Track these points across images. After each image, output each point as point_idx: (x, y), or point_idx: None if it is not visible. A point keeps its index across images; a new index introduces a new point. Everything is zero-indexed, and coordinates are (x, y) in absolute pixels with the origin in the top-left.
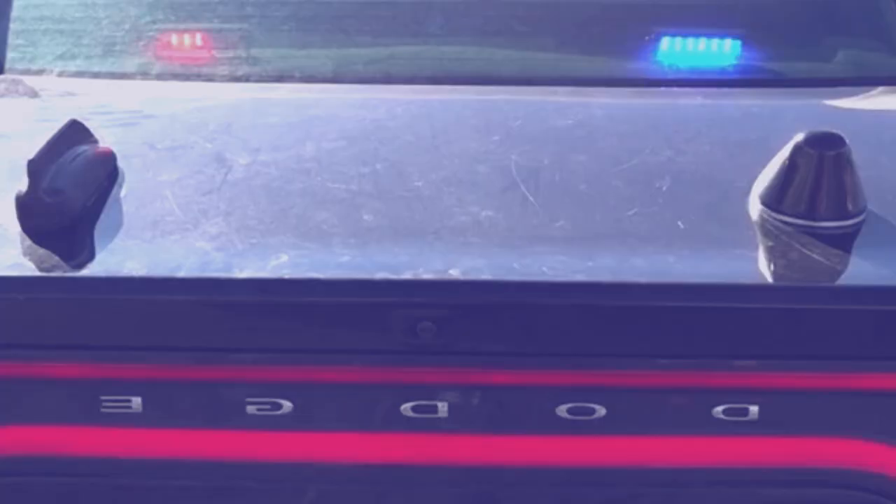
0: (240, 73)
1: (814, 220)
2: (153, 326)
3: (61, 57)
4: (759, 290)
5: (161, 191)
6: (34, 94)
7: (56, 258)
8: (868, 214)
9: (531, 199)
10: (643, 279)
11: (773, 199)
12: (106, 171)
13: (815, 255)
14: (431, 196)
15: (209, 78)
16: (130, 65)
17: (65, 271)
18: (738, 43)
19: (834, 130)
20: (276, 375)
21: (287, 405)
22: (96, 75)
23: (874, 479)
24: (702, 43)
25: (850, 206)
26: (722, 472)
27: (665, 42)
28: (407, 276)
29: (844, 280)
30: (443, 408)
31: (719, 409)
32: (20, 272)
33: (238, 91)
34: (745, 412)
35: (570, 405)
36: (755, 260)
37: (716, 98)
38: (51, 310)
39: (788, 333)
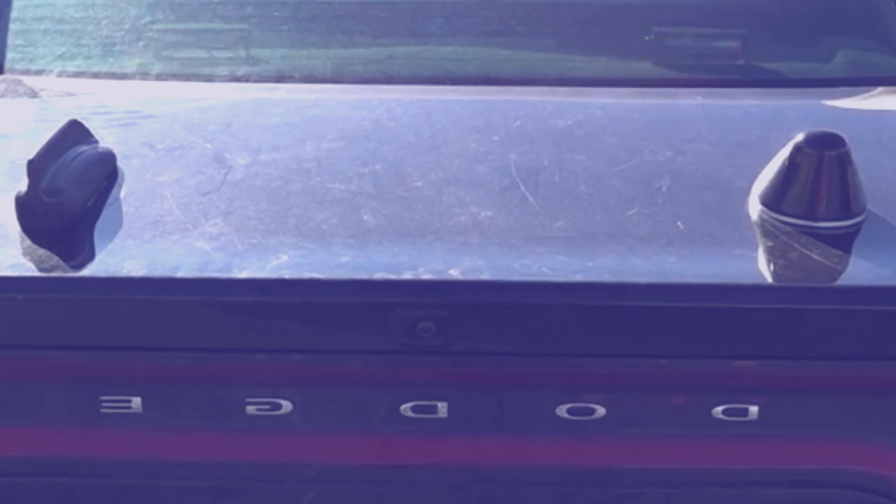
0: (240, 73)
1: (814, 220)
2: (153, 326)
3: (61, 57)
4: (759, 290)
5: (161, 191)
6: (34, 94)
7: (56, 258)
8: (868, 214)
9: (531, 199)
10: (643, 279)
11: (773, 199)
12: (106, 171)
13: (815, 255)
14: (431, 196)
15: (209, 78)
16: (130, 65)
17: (65, 271)
18: (738, 43)
19: (834, 130)
20: (276, 375)
21: (287, 405)
22: (96, 75)
23: (874, 479)
24: (702, 43)
25: (850, 206)
26: (722, 472)
27: (665, 42)
28: (407, 276)
29: (844, 280)
30: (443, 408)
31: (719, 409)
32: (20, 272)
33: (238, 91)
34: (745, 412)
35: (570, 405)
36: (755, 260)
37: (716, 98)
38: (51, 310)
39: (788, 333)
